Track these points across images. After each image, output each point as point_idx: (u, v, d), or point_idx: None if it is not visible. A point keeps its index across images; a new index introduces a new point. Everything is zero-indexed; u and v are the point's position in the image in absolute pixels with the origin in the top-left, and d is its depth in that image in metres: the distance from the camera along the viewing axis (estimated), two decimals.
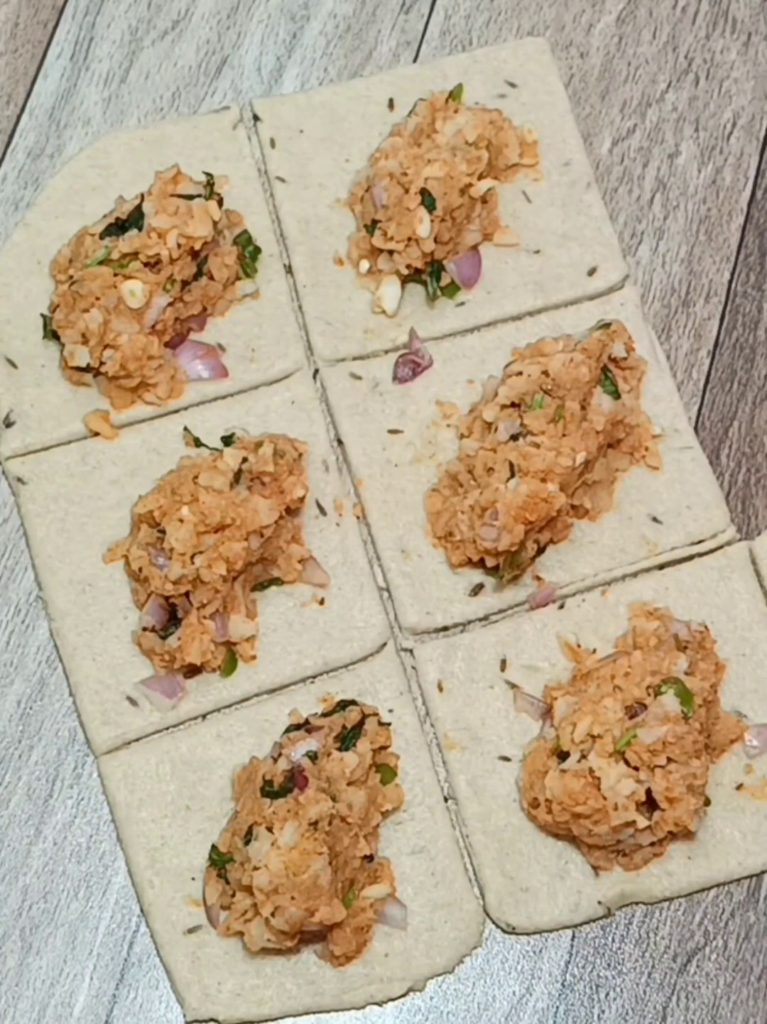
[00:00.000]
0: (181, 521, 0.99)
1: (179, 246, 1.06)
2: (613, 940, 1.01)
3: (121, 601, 1.05)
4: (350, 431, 1.10)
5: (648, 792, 0.96)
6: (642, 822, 0.96)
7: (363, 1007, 0.98)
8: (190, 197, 1.08)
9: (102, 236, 1.07)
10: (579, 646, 1.05)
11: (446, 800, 1.02)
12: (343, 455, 1.10)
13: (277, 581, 1.05)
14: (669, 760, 0.96)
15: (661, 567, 1.08)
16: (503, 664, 1.04)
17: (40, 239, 1.13)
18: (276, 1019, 0.98)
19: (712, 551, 1.09)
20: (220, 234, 1.10)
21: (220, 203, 1.10)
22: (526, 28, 1.23)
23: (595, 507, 1.07)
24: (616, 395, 1.05)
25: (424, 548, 1.07)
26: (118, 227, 1.07)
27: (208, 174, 1.12)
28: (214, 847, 0.98)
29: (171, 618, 1.02)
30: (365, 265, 1.13)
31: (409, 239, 1.09)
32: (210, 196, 1.09)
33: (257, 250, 1.13)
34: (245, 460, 1.02)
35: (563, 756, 0.98)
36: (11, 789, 1.02)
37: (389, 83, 1.19)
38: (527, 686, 1.04)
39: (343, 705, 1.01)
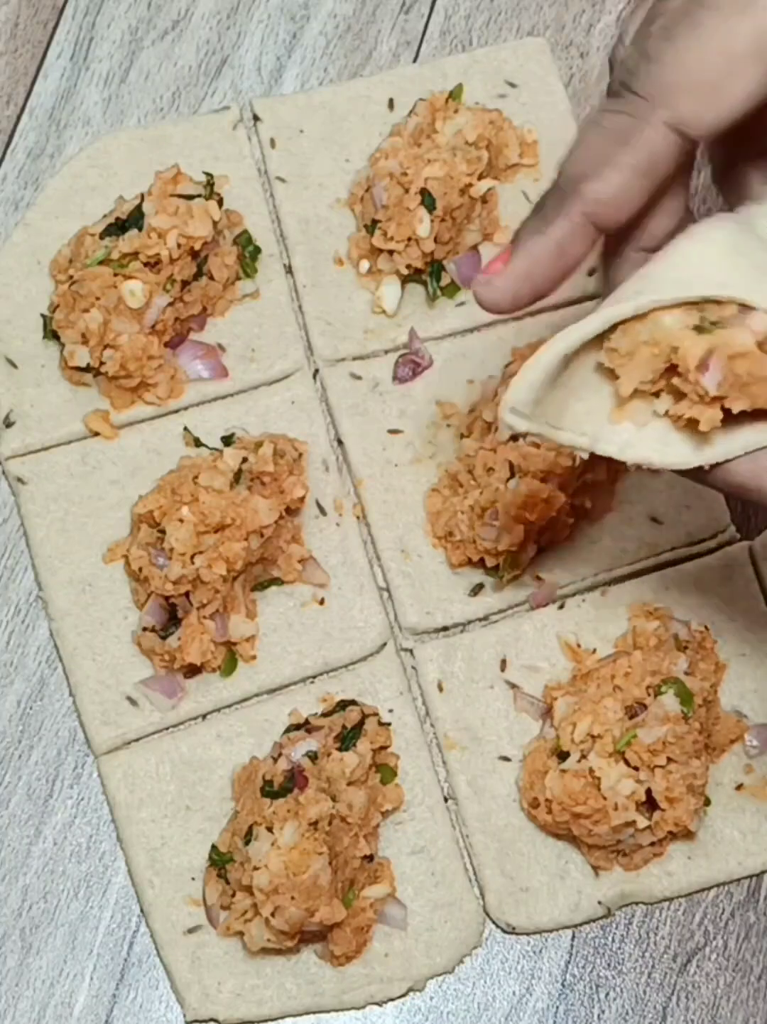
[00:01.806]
0: (181, 521, 0.99)
1: (179, 246, 1.06)
2: (613, 940, 1.01)
3: (121, 601, 1.05)
4: (350, 431, 1.10)
5: (648, 792, 0.96)
6: (642, 822, 0.96)
7: (363, 1007, 0.98)
8: (190, 197, 1.08)
9: (102, 236, 1.07)
10: (579, 646, 1.05)
11: (446, 800, 1.02)
12: (343, 455, 1.10)
13: (277, 581, 1.05)
14: (669, 760, 0.96)
15: (661, 567, 1.08)
16: (503, 664, 1.04)
17: (40, 239, 1.13)
18: (276, 1019, 0.98)
19: (712, 551, 1.09)
20: (220, 234, 1.10)
21: (220, 203, 1.10)
22: (526, 28, 1.23)
23: (595, 507, 1.07)
24: None
25: (424, 548, 1.07)
26: (118, 227, 1.07)
27: (208, 174, 1.12)
28: (214, 847, 0.98)
29: (171, 618, 1.02)
30: (365, 265, 1.13)
31: (409, 239, 1.09)
32: (210, 196, 1.09)
33: (257, 250, 1.13)
34: (245, 460, 1.02)
35: (563, 756, 0.98)
36: (11, 789, 1.02)
37: (389, 83, 1.19)
38: (527, 686, 1.04)
39: (343, 705, 1.01)
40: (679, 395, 0.72)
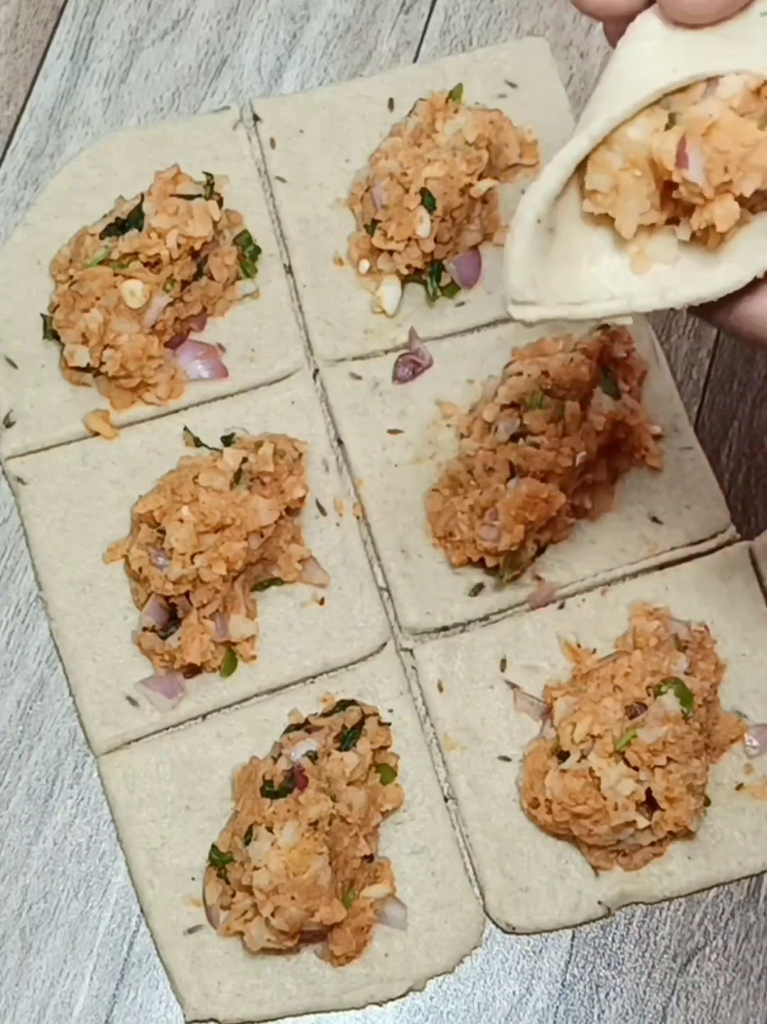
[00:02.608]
0: (181, 521, 0.99)
1: (179, 246, 1.06)
2: (613, 940, 1.01)
3: (121, 601, 1.05)
4: (350, 431, 1.10)
5: (648, 792, 0.96)
6: (642, 822, 0.96)
7: (363, 1007, 0.98)
8: (190, 197, 1.08)
9: (102, 236, 1.07)
10: (579, 646, 1.05)
11: (446, 800, 1.02)
12: (343, 455, 1.10)
13: (277, 581, 1.05)
14: (669, 760, 0.96)
15: (661, 567, 1.08)
16: (503, 664, 1.04)
17: (40, 239, 1.13)
18: (276, 1019, 0.98)
19: (712, 551, 1.09)
20: (220, 234, 1.10)
21: (220, 203, 1.10)
22: (526, 28, 1.23)
23: (595, 507, 1.07)
24: (616, 395, 1.05)
25: (424, 548, 1.07)
26: (118, 227, 1.07)
27: (208, 174, 1.12)
28: (214, 847, 0.98)
29: (171, 618, 1.02)
30: (365, 265, 1.13)
31: (409, 239, 1.09)
32: (210, 196, 1.09)
33: (257, 250, 1.13)
34: (245, 460, 1.02)
35: (563, 756, 0.98)
36: (11, 789, 1.02)
37: (389, 83, 1.19)
38: (527, 686, 1.04)
39: (343, 705, 1.01)
40: (691, 210, 0.63)
